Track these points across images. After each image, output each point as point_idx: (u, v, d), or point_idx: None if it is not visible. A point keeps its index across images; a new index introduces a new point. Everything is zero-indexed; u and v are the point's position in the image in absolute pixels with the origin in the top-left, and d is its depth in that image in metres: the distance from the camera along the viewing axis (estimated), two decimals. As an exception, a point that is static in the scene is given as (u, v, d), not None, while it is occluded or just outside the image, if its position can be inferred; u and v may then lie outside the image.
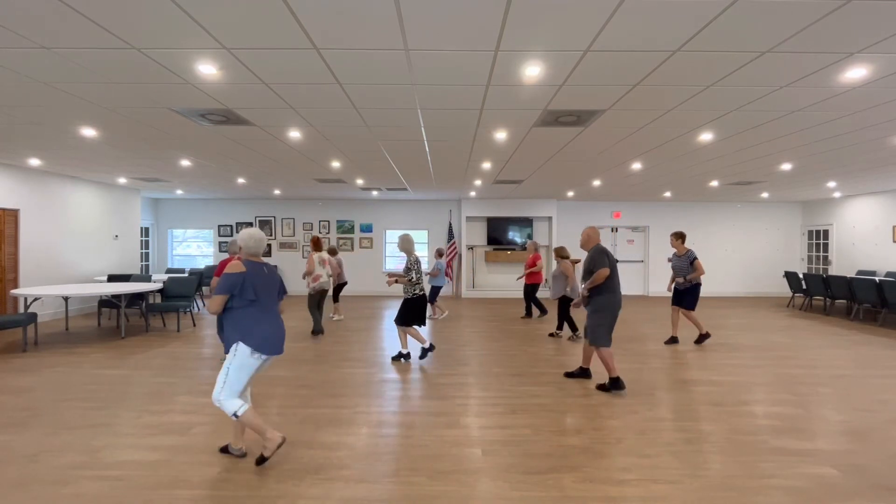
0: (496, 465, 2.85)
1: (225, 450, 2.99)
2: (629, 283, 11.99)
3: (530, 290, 8.39)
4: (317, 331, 6.81)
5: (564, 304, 6.63)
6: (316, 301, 6.79)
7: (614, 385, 4.21)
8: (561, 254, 6.75)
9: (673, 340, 6.33)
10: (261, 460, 2.80)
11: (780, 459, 2.94)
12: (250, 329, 2.74)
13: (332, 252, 8.02)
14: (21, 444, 3.10)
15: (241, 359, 2.73)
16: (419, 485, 2.62)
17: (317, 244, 6.83)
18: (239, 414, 2.70)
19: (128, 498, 2.46)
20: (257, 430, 2.74)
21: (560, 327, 6.76)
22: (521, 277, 8.57)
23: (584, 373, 4.65)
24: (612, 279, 4.27)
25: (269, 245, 12.37)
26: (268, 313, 2.84)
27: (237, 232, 12.35)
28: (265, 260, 4.72)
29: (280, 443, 2.76)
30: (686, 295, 6.14)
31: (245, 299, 2.74)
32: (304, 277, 6.75)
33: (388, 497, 2.49)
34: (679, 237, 6.24)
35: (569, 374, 4.72)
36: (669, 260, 6.40)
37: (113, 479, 2.65)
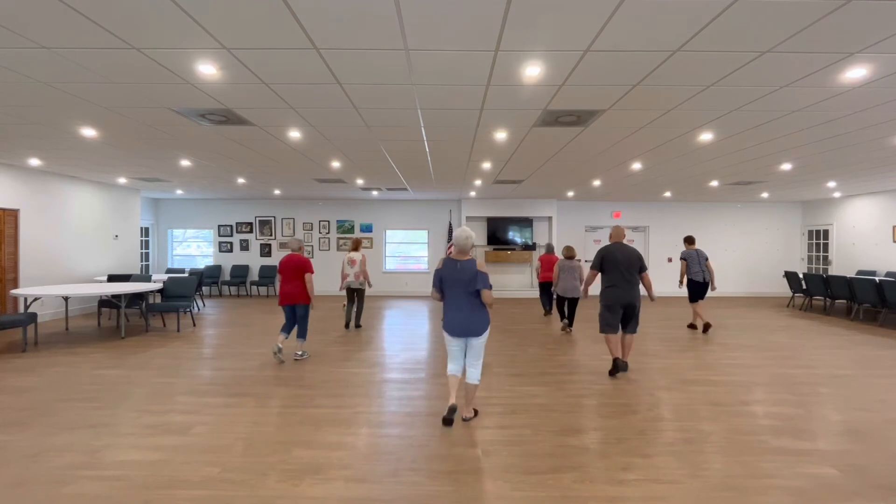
0: (496, 465, 2.85)
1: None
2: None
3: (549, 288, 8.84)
4: (356, 325, 7.46)
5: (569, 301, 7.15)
6: (349, 298, 7.35)
7: (616, 368, 4.76)
8: (567, 254, 7.22)
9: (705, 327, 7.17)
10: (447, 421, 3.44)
11: (780, 459, 2.94)
12: (444, 313, 3.53)
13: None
14: (21, 444, 3.10)
15: (445, 335, 3.53)
16: (419, 485, 2.62)
17: (354, 245, 7.27)
18: (448, 373, 3.55)
19: (128, 498, 2.46)
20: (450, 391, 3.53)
21: (570, 322, 7.23)
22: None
23: (617, 365, 4.78)
24: (606, 277, 4.77)
25: (268, 245, 12.38)
26: (453, 302, 3.45)
27: (237, 232, 12.36)
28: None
29: (450, 407, 3.45)
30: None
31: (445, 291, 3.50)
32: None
33: (388, 497, 2.49)
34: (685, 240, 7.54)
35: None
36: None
37: (113, 479, 2.65)
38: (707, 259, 7.22)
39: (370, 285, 7.48)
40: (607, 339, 4.76)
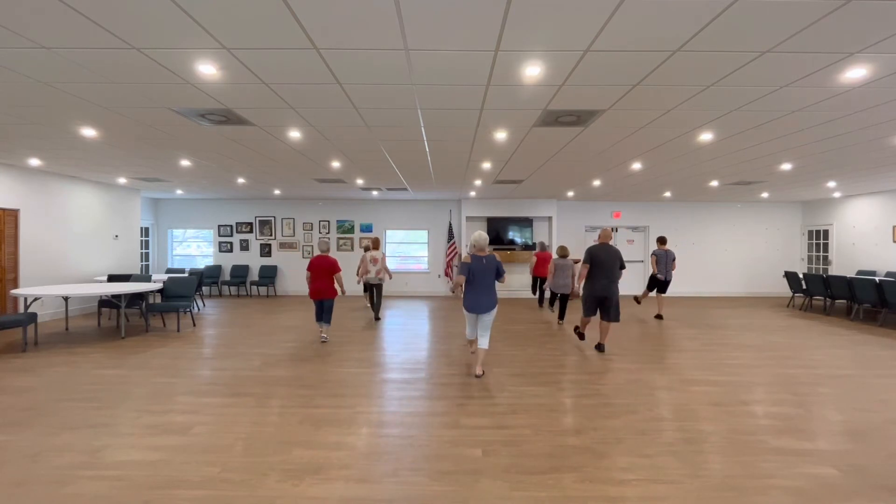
0: (496, 465, 2.85)
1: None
2: (628, 284, 11.95)
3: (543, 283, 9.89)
4: (376, 318, 8.18)
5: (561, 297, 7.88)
6: (368, 293, 8.28)
7: (580, 335, 6.12)
8: (561, 253, 7.82)
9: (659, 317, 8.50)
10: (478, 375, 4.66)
11: (780, 459, 2.94)
12: (465, 296, 4.69)
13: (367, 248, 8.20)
14: (21, 444, 3.11)
15: (465, 311, 4.75)
16: (419, 485, 2.62)
17: (373, 244, 8.02)
18: (467, 337, 4.95)
19: (128, 498, 2.47)
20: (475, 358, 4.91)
21: (561, 316, 7.85)
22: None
23: (581, 336, 6.16)
24: (591, 272, 5.66)
25: (268, 245, 12.38)
26: (477, 288, 4.59)
27: (237, 232, 12.36)
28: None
29: (473, 347, 4.96)
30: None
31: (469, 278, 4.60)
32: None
33: (388, 497, 2.49)
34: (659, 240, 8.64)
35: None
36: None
37: (113, 479, 2.65)
38: (674, 259, 8.34)
39: (391, 277, 8.53)
40: (583, 319, 5.94)
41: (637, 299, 9.08)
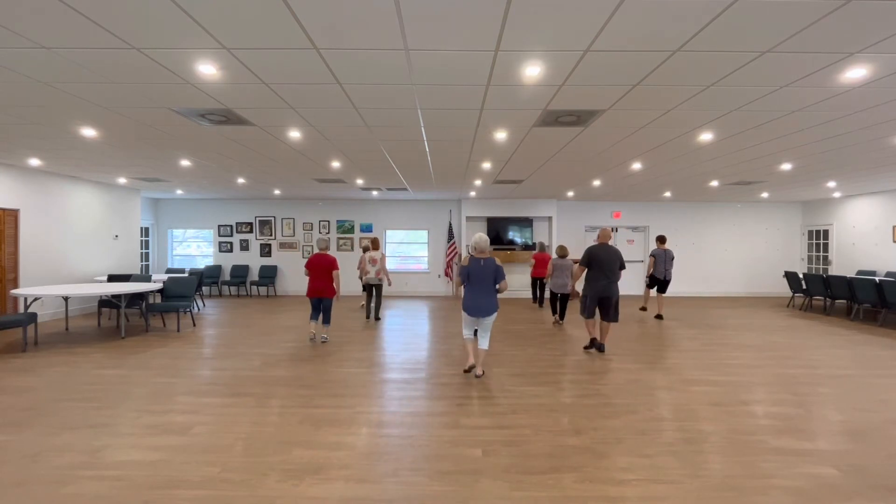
0: (496, 465, 2.85)
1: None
2: (628, 284, 11.94)
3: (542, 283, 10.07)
4: (376, 318, 8.10)
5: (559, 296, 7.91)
6: (367, 293, 8.14)
7: (591, 344, 5.80)
8: (560, 253, 7.88)
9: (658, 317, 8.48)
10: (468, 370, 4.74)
11: (780, 459, 2.94)
12: (464, 297, 4.67)
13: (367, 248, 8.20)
14: (21, 444, 3.11)
15: (463, 313, 4.70)
16: (419, 485, 2.62)
17: (373, 244, 8.00)
18: (464, 337, 4.85)
19: (128, 498, 2.47)
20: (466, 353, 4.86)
21: (561, 316, 7.92)
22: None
23: (593, 343, 5.87)
24: (591, 272, 5.67)
25: (268, 245, 12.38)
26: (475, 290, 4.57)
27: (237, 232, 12.36)
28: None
29: (469, 364, 4.74)
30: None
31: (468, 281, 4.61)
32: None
33: (388, 497, 2.49)
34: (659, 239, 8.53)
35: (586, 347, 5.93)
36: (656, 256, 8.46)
37: (113, 479, 2.65)
38: (672, 259, 8.29)
39: (390, 283, 8.59)
40: (585, 322, 5.81)
41: (644, 308, 9.09)
